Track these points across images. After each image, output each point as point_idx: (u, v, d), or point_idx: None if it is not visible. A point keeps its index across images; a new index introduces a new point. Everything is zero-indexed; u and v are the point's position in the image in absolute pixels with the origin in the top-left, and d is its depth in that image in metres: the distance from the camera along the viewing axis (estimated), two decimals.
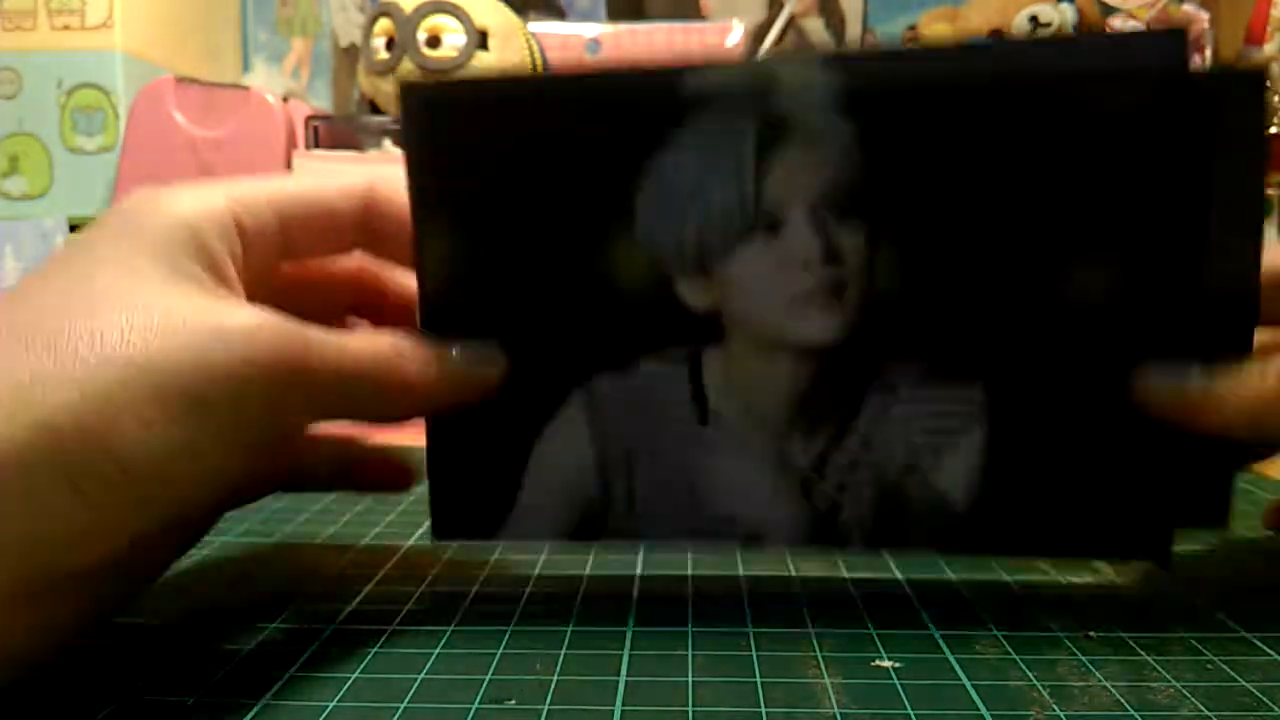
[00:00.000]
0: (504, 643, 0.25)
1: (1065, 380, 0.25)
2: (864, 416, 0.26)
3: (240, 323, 0.22)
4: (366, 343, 0.24)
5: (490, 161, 0.26)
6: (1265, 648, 0.24)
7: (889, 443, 0.26)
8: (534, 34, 0.73)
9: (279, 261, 0.27)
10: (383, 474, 0.30)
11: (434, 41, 0.68)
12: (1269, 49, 0.64)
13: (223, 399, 0.21)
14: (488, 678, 0.23)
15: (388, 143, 0.69)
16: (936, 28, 0.87)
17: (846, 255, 0.25)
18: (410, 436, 0.28)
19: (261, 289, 0.25)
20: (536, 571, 0.30)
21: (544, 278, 0.26)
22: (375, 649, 0.24)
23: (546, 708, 0.21)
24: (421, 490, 0.28)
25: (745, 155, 0.25)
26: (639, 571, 0.30)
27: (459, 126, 0.26)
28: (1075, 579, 0.29)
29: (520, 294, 0.26)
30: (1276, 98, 0.62)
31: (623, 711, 0.21)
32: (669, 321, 0.26)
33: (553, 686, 0.22)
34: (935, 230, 0.25)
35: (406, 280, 0.28)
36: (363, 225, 0.27)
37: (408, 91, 0.26)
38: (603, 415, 0.27)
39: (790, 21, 0.89)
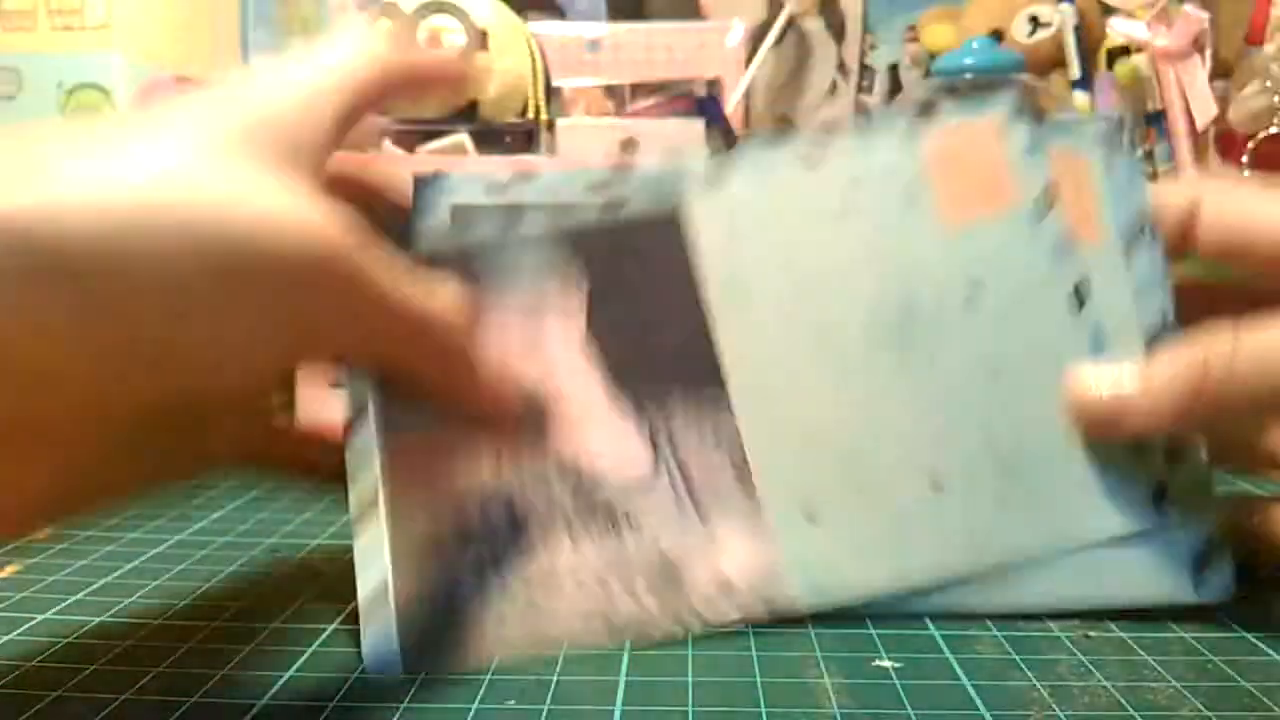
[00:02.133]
0: None
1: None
2: None
3: (319, 222, 0.20)
4: (429, 289, 0.23)
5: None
6: (1265, 648, 0.24)
7: None
8: (534, 34, 0.73)
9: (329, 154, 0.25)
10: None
11: (434, 42, 0.68)
12: (1269, 49, 0.64)
13: (259, 271, 0.19)
14: (488, 678, 0.23)
15: (387, 143, 0.69)
16: (936, 28, 0.87)
17: None
18: None
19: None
20: None
21: None
22: None
23: (546, 708, 0.21)
24: None
25: None
26: None
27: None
28: None
29: None
30: (1276, 98, 0.62)
31: (623, 711, 0.21)
32: None
33: (553, 686, 0.22)
34: None
35: (387, 172, 0.27)
36: (380, 95, 0.25)
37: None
38: None
39: (790, 21, 0.89)
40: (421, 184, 0.28)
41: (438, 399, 0.26)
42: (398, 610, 0.25)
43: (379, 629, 0.25)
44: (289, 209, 0.20)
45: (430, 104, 0.24)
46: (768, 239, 0.29)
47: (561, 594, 0.26)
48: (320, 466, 0.29)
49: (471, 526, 0.26)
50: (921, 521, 0.27)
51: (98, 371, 0.18)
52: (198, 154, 0.20)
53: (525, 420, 0.27)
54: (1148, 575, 0.26)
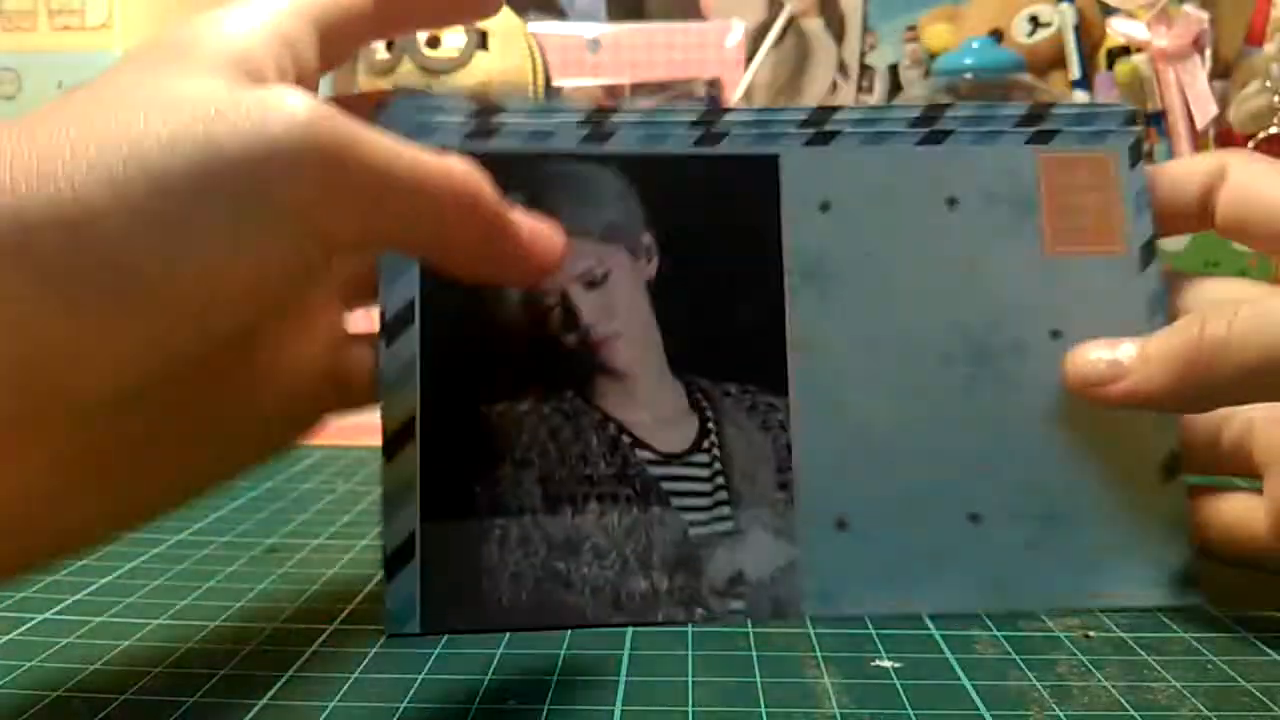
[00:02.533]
0: (504, 643, 0.25)
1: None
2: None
3: (289, 104, 0.18)
4: (438, 156, 0.21)
5: None
6: (1265, 648, 0.24)
7: None
8: (534, 34, 0.73)
9: (316, 77, 0.23)
10: None
11: (434, 41, 0.68)
12: (1269, 49, 0.64)
13: (261, 186, 0.18)
14: (488, 678, 0.23)
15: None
16: (936, 28, 0.87)
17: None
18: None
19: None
20: None
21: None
22: (375, 649, 0.24)
23: (546, 708, 0.21)
24: None
25: None
26: None
27: None
28: None
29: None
30: (1276, 98, 0.62)
31: (623, 711, 0.21)
32: None
33: (553, 686, 0.22)
34: None
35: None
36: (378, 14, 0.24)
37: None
38: None
39: (790, 21, 0.89)
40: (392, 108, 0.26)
41: (485, 270, 0.23)
42: (422, 565, 0.25)
43: (403, 587, 0.25)
44: (255, 98, 0.19)
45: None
46: (866, 217, 0.28)
47: (579, 560, 0.26)
48: None
49: (504, 482, 0.26)
50: (952, 551, 0.26)
51: (86, 338, 0.17)
52: (159, 75, 0.19)
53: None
54: (1138, 580, 0.27)
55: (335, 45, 0.23)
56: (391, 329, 0.26)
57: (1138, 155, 0.28)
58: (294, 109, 0.18)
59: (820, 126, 0.28)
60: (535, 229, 0.23)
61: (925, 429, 0.27)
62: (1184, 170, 0.28)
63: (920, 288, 0.27)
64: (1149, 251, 0.28)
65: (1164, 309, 0.27)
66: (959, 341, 0.27)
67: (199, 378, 0.21)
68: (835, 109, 0.28)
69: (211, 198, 0.17)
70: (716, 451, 0.27)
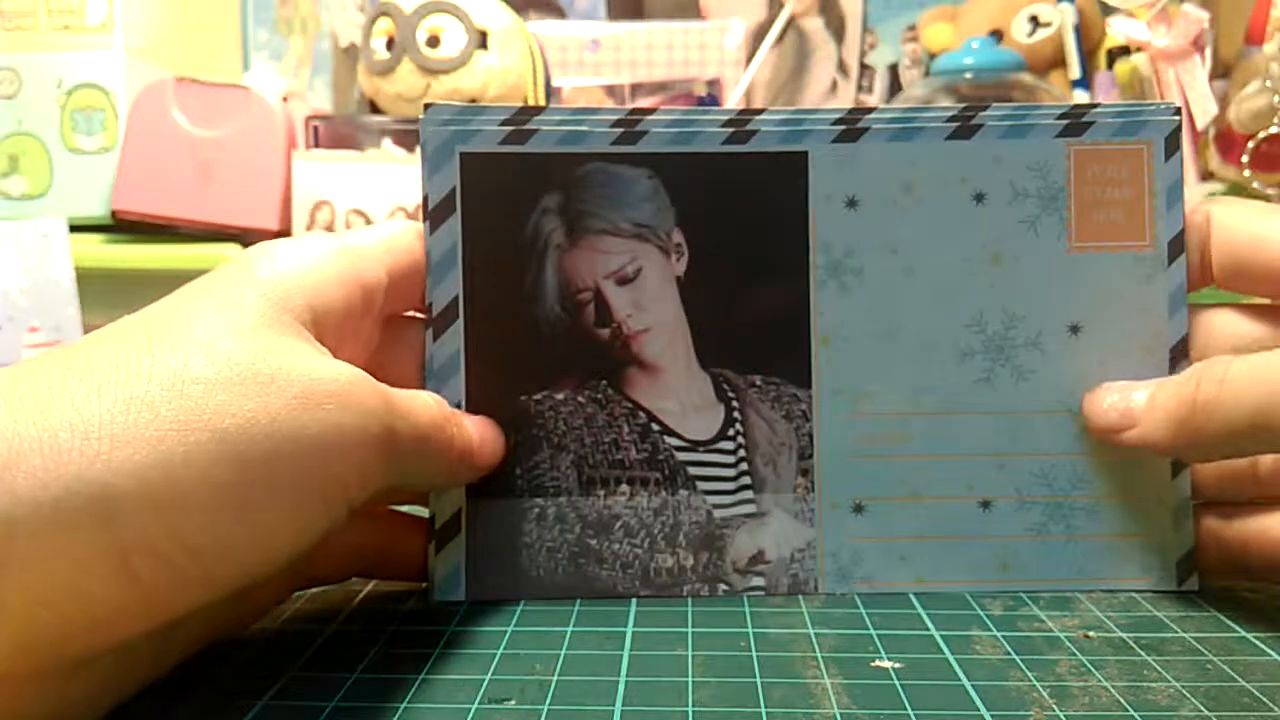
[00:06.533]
0: (504, 643, 0.25)
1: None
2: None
3: (361, 395, 0.20)
4: (422, 403, 0.24)
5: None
6: (1265, 648, 0.24)
7: None
8: (534, 34, 0.73)
9: (381, 317, 0.26)
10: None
11: (434, 41, 0.68)
12: (1269, 49, 0.64)
13: (327, 474, 0.19)
14: (488, 678, 0.23)
15: (387, 142, 0.69)
16: (936, 27, 0.87)
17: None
18: None
19: (349, 343, 0.24)
20: None
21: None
22: (375, 649, 0.24)
23: (546, 708, 0.21)
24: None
25: None
26: None
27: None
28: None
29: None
30: (1276, 98, 0.62)
31: (623, 711, 0.21)
32: None
33: (553, 686, 0.22)
34: None
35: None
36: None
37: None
38: None
39: (790, 21, 0.89)
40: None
41: (443, 481, 0.27)
42: (467, 539, 0.27)
43: (450, 558, 0.27)
44: (333, 384, 0.20)
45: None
46: (892, 212, 0.28)
47: (610, 537, 0.27)
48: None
49: (542, 465, 0.28)
50: (962, 533, 0.28)
51: (147, 608, 0.17)
52: (230, 344, 0.19)
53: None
54: (1140, 566, 0.28)
55: (402, 295, 0.27)
56: (438, 324, 0.28)
57: (1174, 145, 0.28)
58: (366, 401, 0.21)
59: (851, 125, 0.28)
60: (484, 435, 0.27)
61: (942, 420, 0.28)
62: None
63: (943, 282, 0.28)
64: (1176, 247, 0.28)
65: (1184, 308, 0.28)
66: (978, 336, 0.28)
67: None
68: (869, 110, 0.29)
69: (281, 483, 0.18)
70: (741, 439, 0.28)
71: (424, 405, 0.24)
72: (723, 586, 0.27)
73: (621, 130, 0.28)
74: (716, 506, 0.28)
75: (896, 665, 0.23)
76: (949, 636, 0.25)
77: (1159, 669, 0.23)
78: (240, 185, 0.66)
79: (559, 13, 0.91)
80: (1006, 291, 0.28)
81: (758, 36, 0.88)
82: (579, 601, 0.27)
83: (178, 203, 0.66)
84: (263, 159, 0.66)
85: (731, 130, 0.28)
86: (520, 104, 0.72)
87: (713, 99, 0.78)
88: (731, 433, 0.28)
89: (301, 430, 0.19)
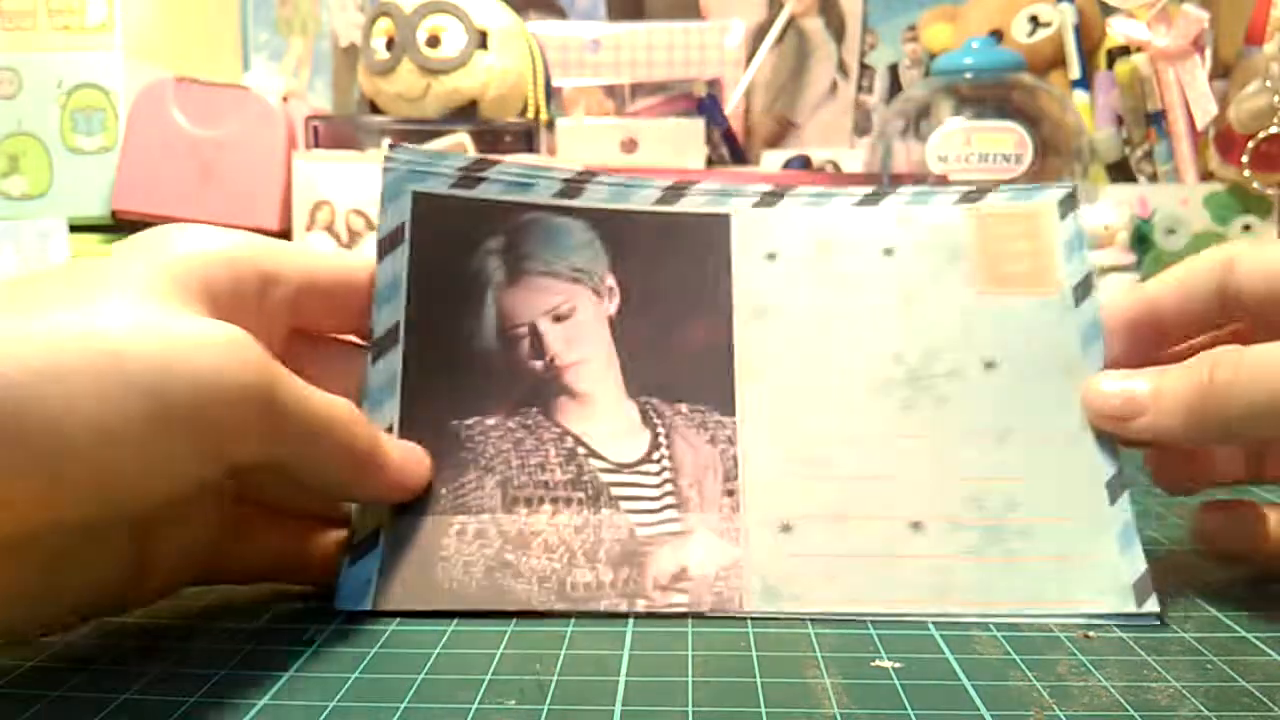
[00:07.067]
0: (504, 643, 0.25)
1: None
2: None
3: (220, 334, 0.22)
4: (328, 399, 0.24)
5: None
6: (1265, 648, 0.24)
7: None
8: (534, 34, 0.73)
9: (290, 321, 0.27)
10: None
11: (434, 41, 0.68)
12: (1269, 49, 0.64)
13: (185, 401, 0.21)
14: (488, 678, 0.23)
15: (387, 143, 0.69)
16: (936, 28, 0.87)
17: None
18: None
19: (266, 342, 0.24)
20: None
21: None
22: (375, 649, 0.24)
23: (546, 708, 0.21)
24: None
25: None
26: None
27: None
28: None
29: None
30: (1276, 98, 0.62)
31: (623, 711, 0.21)
32: None
33: (553, 686, 0.22)
34: None
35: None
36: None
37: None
38: None
39: (790, 21, 0.89)
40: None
41: (356, 492, 0.27)
42: (383, 554, 0.27)
43: (360, 571, 0.27)
44: (208, 335, 0.22)
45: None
46: (808, 264, 0.31)
47: (528, 553, 0.27)
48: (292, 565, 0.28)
49: (468, 485, 0.28)
50: (893, 554, 0.27)
51: (25, 500, 0.19)
52: (124, 299, 0.22)
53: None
54: (1088, 590, 0.26)
55: (320, 309, 0.28)
56: (378, 348, 0.29)
57: (1069, 206, 0.31)
58: (246, 355, 0.22)
59: (771, 194, 0.32)
60: (406, 456, 0.27)
61: (865, 443, 0.29)
62: (1188, 272, 0.28)
63: (858, 323, 0.30)
64: (1083, 290, 0.30)
65: (1099, 341, 0.29)
66: (896, 369, 0.30)
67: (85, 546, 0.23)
68: (789, 186, 0.32)
69: (155, 413, 0.20)
70: (667, 462, 0.29)
71: (325, 396, 0.24)
72: (642, 602, 0.26)
73: (564, 185, 0.31)
74: (640, 525, 0.28)
75: (896, 665, 0.23)
76: (949, 636, 0.25)
77: (1159, 669, 0.23)
78: (240, 185, 0.66)
79: (559, 13, 0.91)
80: (920, 332, 0.30)
81: (758, 36, 0.88)
82: None
83: (178, 203, 0.66)
84: (263, 159, 0.66)
85: (664, 193, 0.31)
86: (520, 105, 0.72)
87: (713, 99, 0.78)
88: (657, 456, 0.29)
89: (177, 371, 0.21)
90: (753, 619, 0.26)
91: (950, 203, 0.31)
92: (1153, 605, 0.26)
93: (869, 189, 0.32)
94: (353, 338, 0.29)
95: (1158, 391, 0.26)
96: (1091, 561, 0.27)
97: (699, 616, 0.26)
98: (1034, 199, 0.31)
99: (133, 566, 0.24)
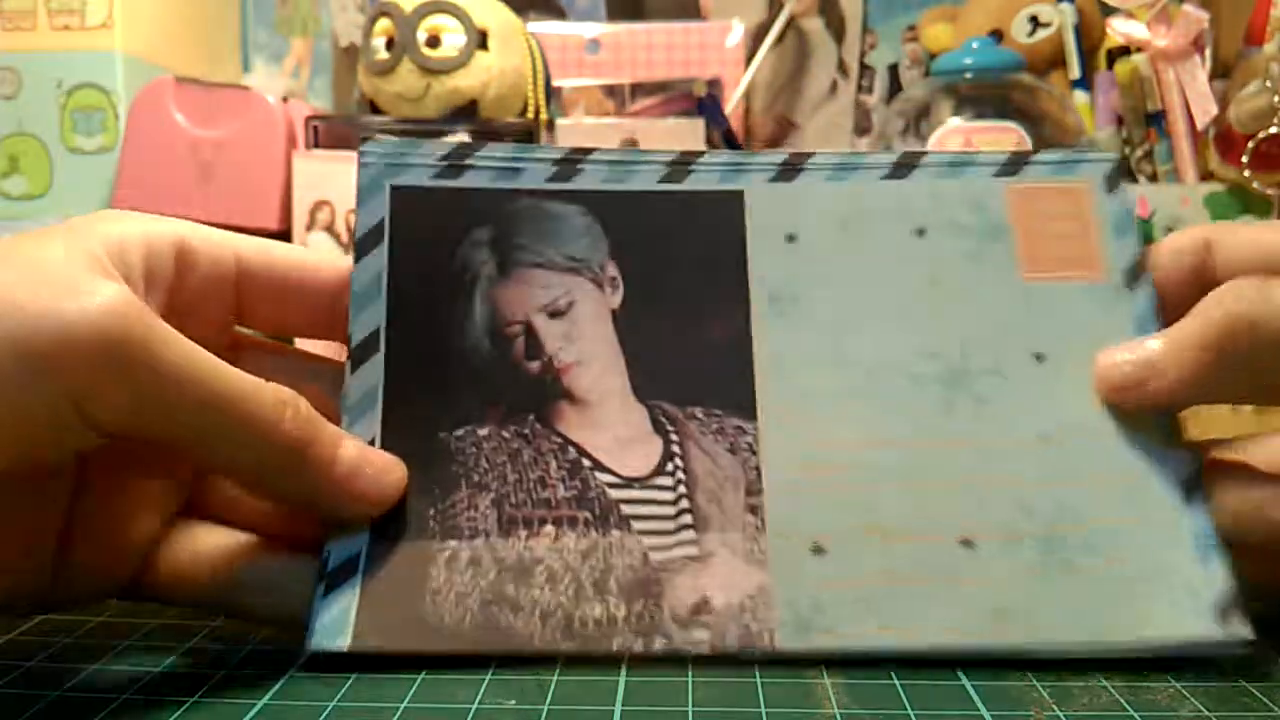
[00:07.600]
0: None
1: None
2: None
3: (98, 294, 0.20)
4: (239, 374, 0.22)
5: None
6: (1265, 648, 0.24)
7: None
8: (534, 34, 0.73)
9: (230, 316, 0.26)
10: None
11: (434, 41, 0.68)
12: (1269, 49, 0.64)
13: (36, 341, 0.20)
14: (488, 678, 0.23)
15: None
16: (936, 28, 0.87)
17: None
18: None
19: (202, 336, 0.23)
20: None
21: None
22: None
23: (546, 708, 0.21)
24: None
25: None
26: None
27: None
28: None
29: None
30: (1276, 98, 0.62)
31: (622, 711, 0.21)
32: None
33: (553, 686, 0.22)
34: None
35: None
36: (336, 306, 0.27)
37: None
38: None
39: (790, 21, 0.89)
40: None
41: (291, 496, 0.24)
42: (363, 583, 0.24)
43: (337, 603, 0.24)
44: (82, 285, 0.21)
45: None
46: (832, 246, 0.28)
47: (530, 583, 0.24)
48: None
49: (459, 505, 0.25)
50: (944, 577, 0.24)
51: None
52: (31, 260, 0.21)
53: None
54: (1166, 611, 0.24)
55: (266, 304, 0.26)
56: (357, 356, 0.26)
57: (1115, 182, 0.28)
58: (99, 299, 0.20)
59: (789, 167, 0.29)
60: (361, 462, 0.24)
61: (904, 453, 0.26)
62: (1164, 253, 0.28)
63: (888, 312, 0.27)
64: (1133, 274, 0.27)
65: (1154, 329, 0.26)
66: (930, 363, 0.27)
67: None
68: (808, 154, 0.29)
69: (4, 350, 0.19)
70: (681, 474, 0.26)
71: (232, 370, 0.22)
72: (660, 640, 0.23)
73: (557, 168, 0.28)
74: (653, 549, 0.25)
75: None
76: None
77: (1159, 669, 0.23)
78: (240, 185, 0.66)
79: (559, 13, 0.91)
80: (957, 321, 0.27)
81: (758, 36, 0.88)
82: None
83: (178, 203, 0.66)
84: (263, 159, 0.66)
85: (669, 169, 0.28)
86: (520, 104, 0.71)
87: (713, 99, 0.78)
88: (670, 467, 0.26)
89: (32, 310, 0.20)
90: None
91: (987, 175, 0.29)
92: (1239, 630, 0.23)
93: (896, 156, 0.29)
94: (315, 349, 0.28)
95: (1173, 343, 0.25)
96: (1165, 576, 0.24)
97: (725, 658, 0.23)
98: (1076, 173, 0.29)
99: (21, 552, 0.23)
